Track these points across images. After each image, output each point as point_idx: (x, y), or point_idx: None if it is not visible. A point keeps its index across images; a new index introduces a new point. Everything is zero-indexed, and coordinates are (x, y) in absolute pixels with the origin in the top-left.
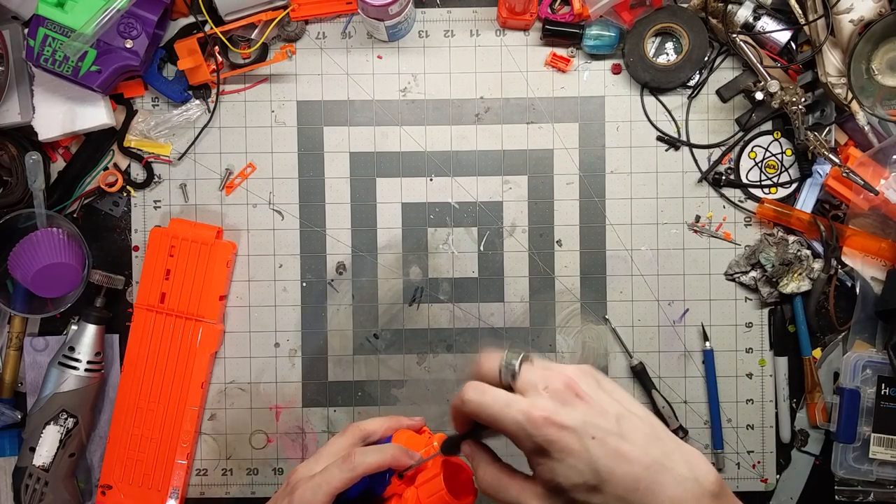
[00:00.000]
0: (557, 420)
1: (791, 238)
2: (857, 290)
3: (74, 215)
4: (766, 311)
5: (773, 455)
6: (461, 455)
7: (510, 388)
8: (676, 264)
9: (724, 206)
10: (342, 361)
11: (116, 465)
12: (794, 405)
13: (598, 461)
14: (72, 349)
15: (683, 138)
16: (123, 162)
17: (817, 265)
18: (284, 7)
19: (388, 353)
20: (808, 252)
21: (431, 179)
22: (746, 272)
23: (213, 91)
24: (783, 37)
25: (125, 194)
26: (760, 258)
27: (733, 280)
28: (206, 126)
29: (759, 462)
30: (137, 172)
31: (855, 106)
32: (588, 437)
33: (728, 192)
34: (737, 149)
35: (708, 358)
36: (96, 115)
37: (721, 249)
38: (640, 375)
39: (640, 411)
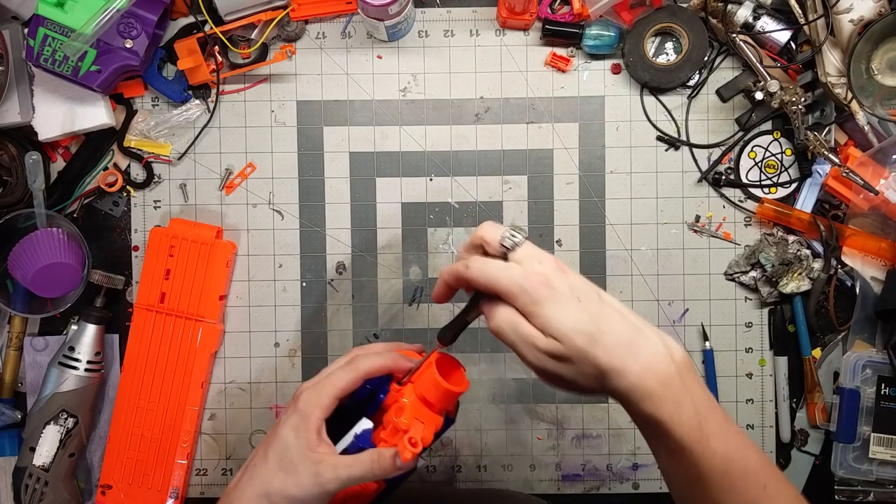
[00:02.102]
0: (551, 282)
1: (791, 238)
2: (857, 290)
3: (74, 215)
4: (765, 311)
5: (773, 455)
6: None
7: (505, 259)
8: (676, 264)
9: (723, 206)
10: None
11: (116, 465)
12: (794, 405)
13: (589, 315)
14: (72, 349)
15: (683, 138)
16: (123, 162)
17: (817, 265)
18: (284, 7)
19: None
20: (808, 252)
21: (431, 179)
22: (746, 272)
23: (213, 91)
24: (783, 37)
25: (125, 194)
26: (760, 258)
27: (733, 280)
28: (205, 126)
29: None
30: (137, 172)
31: (855, 106)
32: (576, 297)
33: (728, 191)
34: (737, 149)
35: (708, 358)
36: (96, 114)
37: (721, 249)
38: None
39: (616, 299)
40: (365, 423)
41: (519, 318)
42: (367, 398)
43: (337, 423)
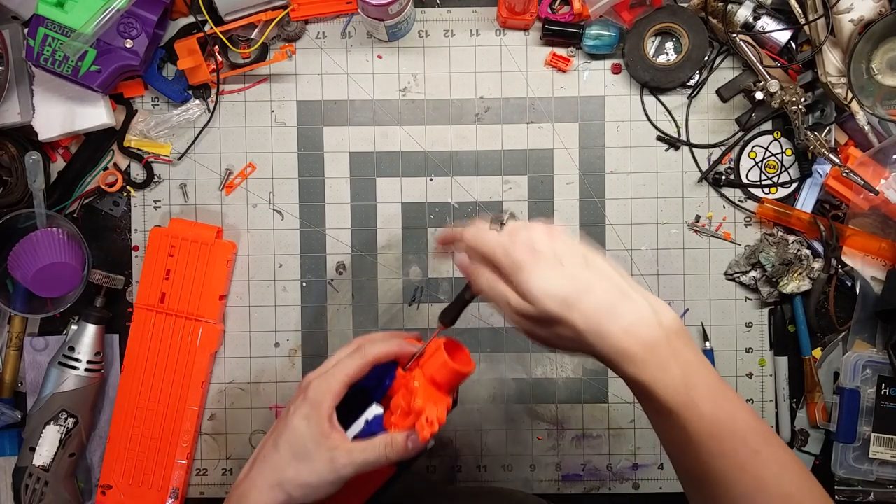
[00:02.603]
0: (535, 246)
1: (791, 238)
2: (857, 290)
3: (74, 215)
4: (765, 311)
5: None
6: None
7: None
8: (676, 264)
9: (724, 206)
10: None
11: (116, 465)
12: (794, 405)
13: (568, 279)
14: (72, 349)
15: (683, 138)
16: (123, 162)
17: (817, 265)
18: (284, 7)
19: None
20: (808, 252)
21: (431, 179)
22: (746, 272)
23: (213, 91)
24: (783, 36)
25: (125, 194)
26: (760, 258)
27: (733, 280)
28: (206, 126)
29: None
30: (137, 172)
31: (855, 106)
32: (559, 261)
33: (728, 191)
34: (737, 149)
35: (708, 358)
36: (96, 114)
37: (721, 249)
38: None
39: (608, 263)
40: (376, 409)
41: (498, 281)
42: (372, 386)
43: (343, 412)
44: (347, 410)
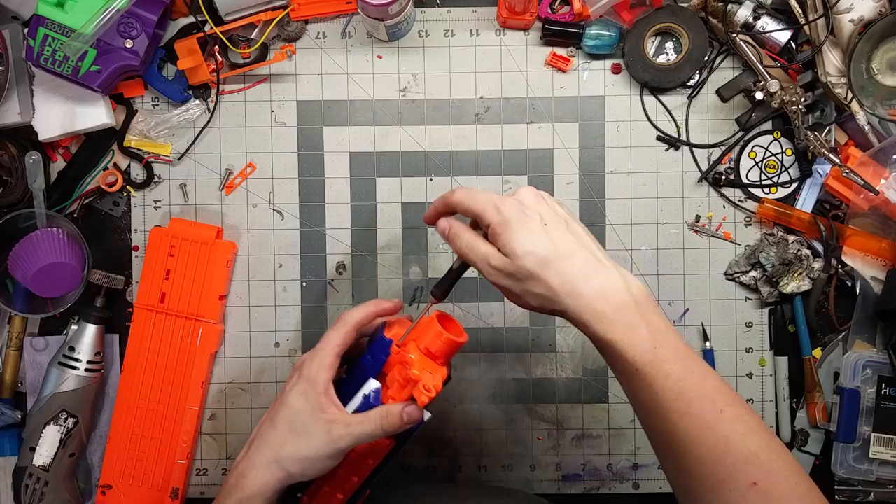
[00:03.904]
0: (524, 207)
1: (791, 238)
2: (857, 290)
3: (74, 215)
4: (765, 311)
5: None
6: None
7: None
8: (676, 264)
9: (724, 206)
10: None
11: (116, 465)
12: (794, 405)
13: (550, 240)
14: (72, 349)
15: (683, 138)
16: (123, 162)
17: (817, 265)
18: (284, 7)
19: None
20: (808, 252)
21: (431, 179)
22: (746, 272)
23: (213, 91)
24: (783, 36)
25: (125, 194)
26: (760, 258)
27: (733, 280)
28: (206, 126)
29: None
30: (137, 172)
31: (855, 106)
32: (542, 222)
33: (728, 191)
34: (737, 148)
35: (708, 358)
36: (96, 114)
37: (721, 249)
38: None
39: (586, 232)
40: (373, 384)
41: (477, 239)
42: (369, 363)
43: (341, 391)
44: (346, 389)
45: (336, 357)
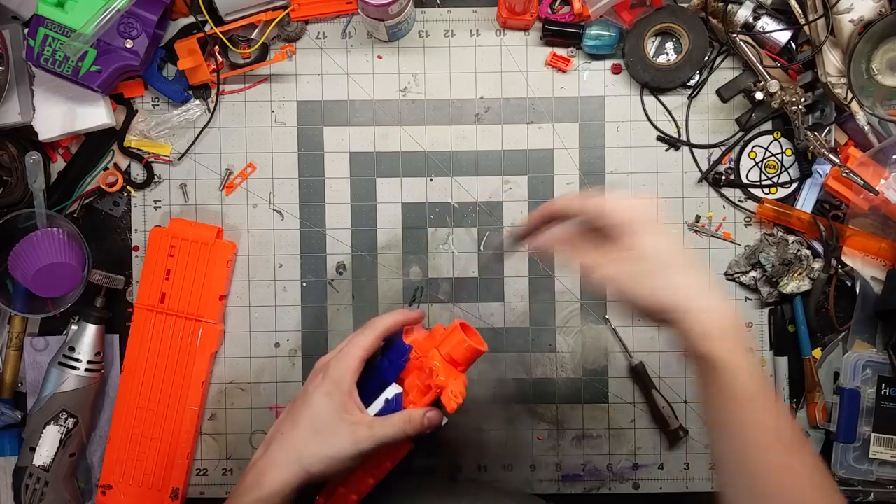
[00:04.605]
0: (648, 211)
1: (791, 238)
2: (857, 290)
3: (74, 215)
4: (765, 311)
5: None
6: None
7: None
8: None
9: (724, 206)
10: None
11: (116, 465)
12: (794, 405)
13: (674, 246)
14: (72, 349)
15: (683, 138)
16: (123, 162)
17: (817, 265)
18: (284, 7)
19: None
20: (808, 252)
21: (431, 179)
22: (746, 272)
23: (213, 91)
24: (783, 37)
25: (125, 194)
26: (760, 258)
27: (733, 280)
28: (206, 126)
29: None
30: (137, 172)
31: (855, 106)
32: (666, 230)
33: (728, 192)
34: (737, 149)
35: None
36: (96, 115)
37: (721, 249)
38: (640, 375)
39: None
40: (395, 388)
41: (597, 252)
42: (387, 368)
43: (360, 394)
44: (363, 393)
45: (361, 361)
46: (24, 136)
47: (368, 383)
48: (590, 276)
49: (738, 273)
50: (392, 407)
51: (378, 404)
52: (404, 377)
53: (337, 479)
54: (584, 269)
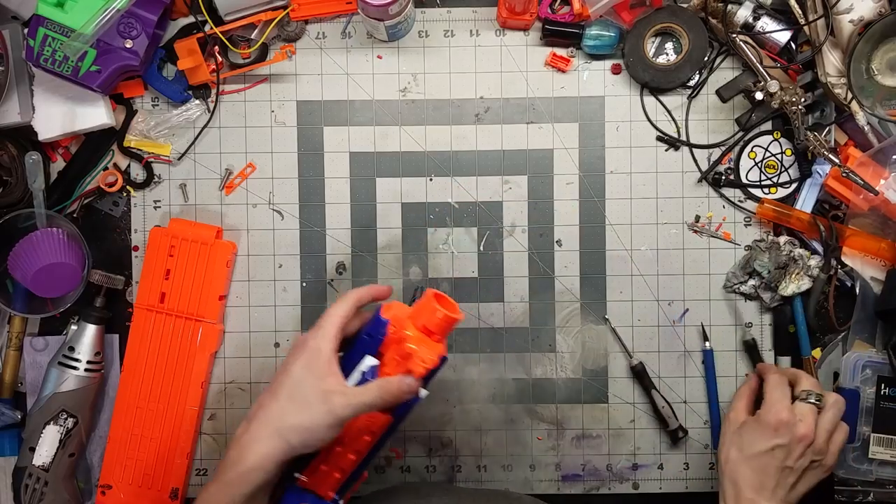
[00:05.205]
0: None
1: (782, 240)
2: (857, 291)
3: (74, 215)
4: (768, 314)
5: None
6: None
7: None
8: (676, 264)
9: (723, 206)
10: None
11: (116, 465)
12: None
13: (779, 467)
14: (72, 349)
15: (683, 138)
16: (123, 162)
17: (814, 262)
18: (284, 7)
19: None
20: (801, 250)
21: (431, 179)
22: (745, 281)
23: (213, 91)
24: (783, 37)
25: (125, 194)
26: (755, 266)
27: (734, 292)
28: (205, 126)
29: None
30: (137, 172)
31: (855, 106)
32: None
33: (728, 192)
34: (736, 149)
35: (708, 358)
36: (96, 115)
37: (721, 249)
38: (639, 375)
39: None
40: (370, 361)
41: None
42: (366, 343)
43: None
44: (344, 368)
45: (339, 329)
46: (23, 136)
47: (350, 359)
48: (731, 417)
49: (737, 284)
50: (366, 379)
51: (354, 377)
52: (383, 351)
53: (319, 455)
54: (736, 411)
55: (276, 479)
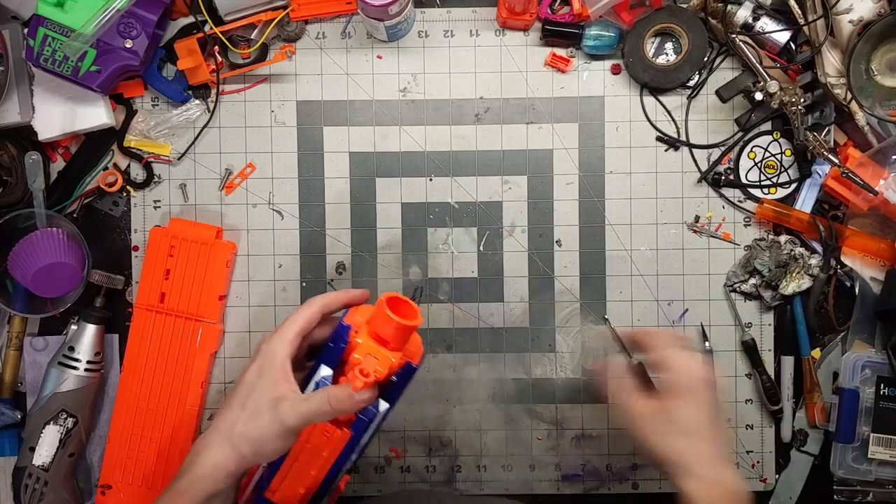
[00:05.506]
0: (694, 375)
1: (783, 238)
2: (857, 291)
3: (74, 215)
4: (771, 313)
5: (773, 455)
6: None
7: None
8: (676, 264)
9: (723, 207)
10: None
11: (116, 465)
12: (793, 405)
13: (705, 415)
14: (71, 349)
15: (683, 138)
16: (123, 162)
17: (814, 261)
18: (284, 7)
19: None
20: (802, 249)
21: (431, 179)
22: (746, 280)
23: (213, 91)
24: (783, 37)
25: (125, 194)
26: (756, 264)
27: (735, 290)
28: (205, 126)
29: (758, 462)
30: (137, 172)
31: (854, 106)
32: (702, 398)
33: (728, 192)
34: (736, 149)
35: (707, 358)
36: (96, 114)
37: (721, 250)
38: (639, 375)
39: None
40: (324, 370)
41: (633, 395)
42: (328, 353)
43: (303, 385)
44: (307, 381)
45: (296, 335)
46: (23, 135)
47: (314, 369)
48: (617, 402)
49: (737, 283)
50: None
51: (310, 387)
52: (346, 359)
53: (280, 470)
54: (616, 394)
55: (230, 493)
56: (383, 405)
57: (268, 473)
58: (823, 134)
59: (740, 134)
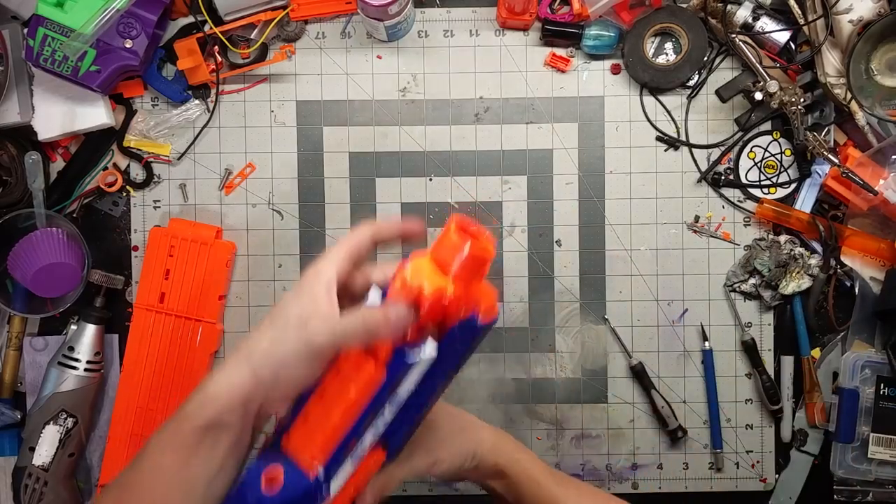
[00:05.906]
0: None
1: (783, 238)
2: (856, 291)
3: (74, 215)
4: (771, 312)
5: (772, 455)
6: None
7: None
8: (676, 264)
9: (723, 206)
10: None
11: (116, 465)
12: (793, 405)
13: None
14: (71, 349)
15: (683, 138)
16: (123, 162)
17: (814, 261)
18: (284, 7)
19: None
20: (802, 249)
21: (431, 179)
22: (745, 280)
23: (213, 91)
24: (782, 37)
25: (125, 194)
26: (756, 264)
27: (734, 290)
28: (205, 126)
29: (757, 462)
30: (137, 172)
31: (854, 106)
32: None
33: (727, 192)
34: (736, 149)
35: (707, 358)
36: (96, 114)
37: (720, 249)
38: (639, 375)
39: None
40: (374, 296)
41: None
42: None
43: None
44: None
45: (347, 256)
46: (23, 135)
47: (364, 299)
48: None
49: (737, 283)
50: None
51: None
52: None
53: (297, 416)
54: None
55: (241, 431)
56: (429, 352)
57: (291, 415)
58: (823, 134)
59: (740, 134)
